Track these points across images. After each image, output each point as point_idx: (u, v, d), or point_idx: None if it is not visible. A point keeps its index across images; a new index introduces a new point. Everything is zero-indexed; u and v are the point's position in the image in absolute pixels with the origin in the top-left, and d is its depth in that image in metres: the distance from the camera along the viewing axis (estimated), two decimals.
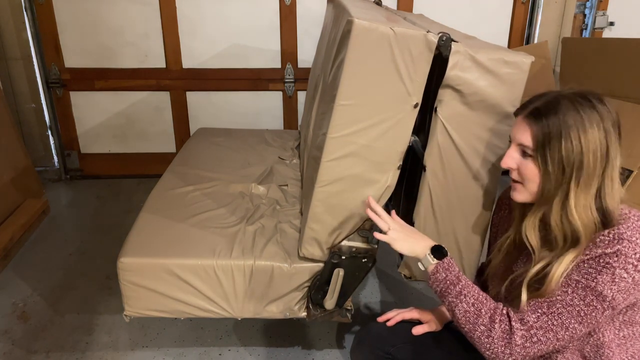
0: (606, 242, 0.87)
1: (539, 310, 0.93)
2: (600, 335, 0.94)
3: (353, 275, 1.38)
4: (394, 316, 1.21)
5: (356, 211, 1.31)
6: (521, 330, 0.93)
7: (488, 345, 0.96)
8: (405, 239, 1.11)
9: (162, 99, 2.85)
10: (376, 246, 1.35)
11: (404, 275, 1.39)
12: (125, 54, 2.74)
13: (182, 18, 2.69)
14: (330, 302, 1.40)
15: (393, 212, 1.17)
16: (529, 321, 0.93)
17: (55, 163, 2.95)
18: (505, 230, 1.12)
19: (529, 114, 0.96)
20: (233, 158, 2.08)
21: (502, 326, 0.95)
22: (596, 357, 0.95)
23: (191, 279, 1.39)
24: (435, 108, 1.20)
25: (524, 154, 0.98)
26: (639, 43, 2.25)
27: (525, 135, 0.96)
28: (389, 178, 1.26)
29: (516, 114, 1.01)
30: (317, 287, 1.40)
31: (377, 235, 1.15)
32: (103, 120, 2.88)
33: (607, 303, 0.87)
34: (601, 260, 0.87)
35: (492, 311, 0.98)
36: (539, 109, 0.95)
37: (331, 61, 1.33)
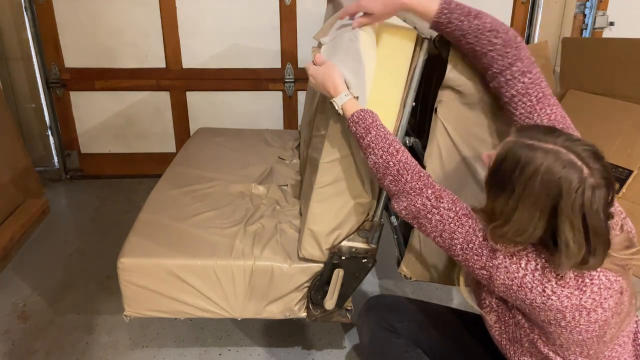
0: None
1: (455, 208, 0.95)
2: (528, 332, 0.93)
3: (353, 276, 1.38)
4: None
5: (355, 212, 1.31)
6: (429, 200, 0.97)
7: (394, 189, 1.02)
8: (318, 85, 1.15)
9: (162, 99, 2.85)
10: (376, 246, 1.35)
11: (404, 275, 1.39)
12: (125, 54, 2.74)
13: (182, 18, 2.69)
14: (330, 303, 1.40)
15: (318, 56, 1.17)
16: (442, 202, 0.96)
17: (55, 163, 2.94)
18: None
19: (506, 143, 0.88)
20: (233, 158, 2.08)
21: (414, 182, 0.98)
22: (543, 357, 0.94)
23: (191, 279, 1.39)
24: (436, 109, 1.20)
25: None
26: (639, 43, 2.25)
27: (493, 155, 0.90)
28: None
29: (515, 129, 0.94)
30: (317, 288, 1.40)
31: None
32: (103, 120, 2.88)
33: (490, 264, 0.88)
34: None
35: (401, 163, 1.00)
36: (521, 141, 0.85)
37: None
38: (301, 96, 2.89)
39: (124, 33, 2.69)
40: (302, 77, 2.81)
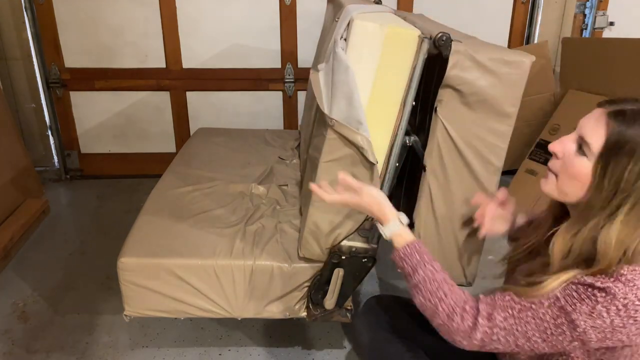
0: (603, 276, 0.80)
1: (509, 311, 0.88)
2: None
3: (353, 275, 1.38)
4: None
5: (355, 211, 1.31)
6: (485, 326, 0.89)
7: (446, 335, 0.95)
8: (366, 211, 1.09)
9: (162, 99, 2.85)
10: (376, 246, 1.35)
11: None
12: (125, 54, 2.74)
13: (182, 18, 2.69)
14: (330, 302, 1.40)
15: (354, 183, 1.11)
16: (495, 319, 0.89)
17: (55, 163, 2.94)
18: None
19: (616, 112, 0.83)
20: (233, 158, 2.08)
21: (465, 322, 0.91)
22: None
23: (191, 279, 1.39)
24: (436, 108, 1.20)
25: (580, 149, 0.86)
26: (639, 43, 2.25)
27: (596, 132, 0.83)
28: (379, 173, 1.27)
29: (600, 105, 0.88)
30: (317, 287, 1.40)
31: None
32: (103, 120, 2.88)
33: (577, 334, 0.81)
34: (588, 290, 0.81)
35: (450, 308, 0.93)
36: (630, 112, 0.82)
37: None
38: (301, 96, 2.89)
39: (124, 33, 2.69)
40: (302, 77, 2.81)
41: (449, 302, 0.94)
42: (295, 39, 2.76)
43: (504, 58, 1.14)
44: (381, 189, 1.29)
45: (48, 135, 2.87)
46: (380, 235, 1.34)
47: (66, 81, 2.77)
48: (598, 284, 0.80)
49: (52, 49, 2.70)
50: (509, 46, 2.87)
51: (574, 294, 0.82)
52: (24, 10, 2.58)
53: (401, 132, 1.22)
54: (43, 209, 2.46)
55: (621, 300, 0.78)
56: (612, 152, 0.81)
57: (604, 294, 0.79)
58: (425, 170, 1.26)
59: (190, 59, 2.78)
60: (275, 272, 1.39)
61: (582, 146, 0.85)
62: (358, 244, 1.34)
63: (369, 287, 1.99)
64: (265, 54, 2.78)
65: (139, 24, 2.69)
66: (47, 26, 2.66)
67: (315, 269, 1.39)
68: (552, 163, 0.91)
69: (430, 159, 1.25)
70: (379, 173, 1.26)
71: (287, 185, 1.83)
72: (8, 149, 2.38)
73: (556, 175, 0.90)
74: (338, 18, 1.31)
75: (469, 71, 1.14)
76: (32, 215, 2.35)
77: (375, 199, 1.08)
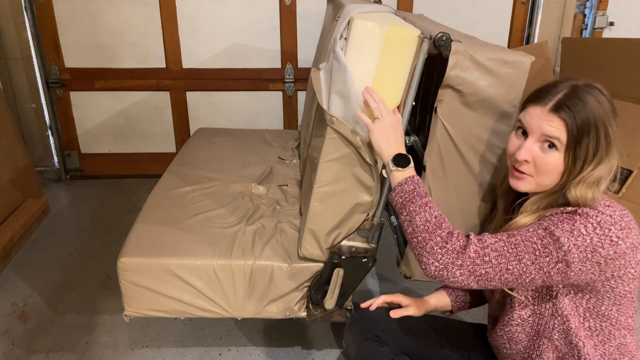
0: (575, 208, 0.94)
1: (499, 237, 0.96)
2: (565, 320, 0.97)
3: (353, 275, 1.38)
4: (377, 301, 1.24)
5: (355, 211, 1.31)
6: (477, 245, 0.95)
7: (439, 256, 0.97)
8: (381, 136, 1.10)
9: (162, 99, 2.85)
10: (376, 246, 1.35)
11: (404, 275, 1.39)
12: (125, 54, 2.74)
13: (182, 18, 2.69)
14: (330, 302, 1.40)
15: (396, 109, 1.17)
16: (486, 241, 0.96)
17: (55, 163, 2.95)
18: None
19: (557, 106, 0.94)
20: (233, 158, 2.08)
21: (460, 241, 0.97)
22: (570, 348, 0.98)
23: (191, 279, 1.39)
24: (436, 108, 1.20)
25: (550, 146, 0.96)
26: (639, 43, 2.25)
27: (556, 128, 0.94)
28: (380, 175, 1.27)
29: (533, 103, 0.98)
30: (317, 287, 1.40)
31: (358, 113, 1.14)
32: (103, 120, 2.88)
33: (562, 253, 0.89)
34: (565, 214, 0.93)
35: (451, 228, 1.00)
36: (566, 102, 0.94)
37: None
38: (301, 96, 2.89)
39: (124, 33, 2.69)
40: (302, 77, 2.81)
41: (449, 224, 1.01)
42: (295, 39, 2.77)
43: (504, 58, 1.14)
44: (382, 189, 1.29)
45: (48, 135, 2.87)
46: (380, 235, 1.35)
47: (66, 81, 2.77)
48: (570, 209, 0.93)
49: (52, 49, 2.70)
50: (509, 46, 2.87)
51: (554, 218, 0.94)
52: (24, 10, 2.58)
53: None
54: (43, 209, 2.46)
55: (594, 217, 0.90)
56: (576, 138, 0.94)
57: (579, 216, 0.91)
58: (425, 170, 1.26)
59: (190, 59, 2.78)
60: (275, 272, 1.39)
61: (552, 143, 0.96)
62: (358, 243, 1.34)
63: (369, 287, 1.99)
64: (265, 54, 2.79)
65: (139, 24, 2.69)
66: (47, 26, 2.66)
67: (315, 268, 1.39)
68: (525, 167, 1.00)
69: (430, 159, 1.25)
70: (380, 172, 1.26)
71: (287, 185, 1.83)
72: (8, 149, 2.38)
73: (531, 176, 1.00)
74: (338, 17, 1.31)
75: (468, 71, 1.14)
76: (32, 215, 2.35)
77: (397, 135, 1.11)
